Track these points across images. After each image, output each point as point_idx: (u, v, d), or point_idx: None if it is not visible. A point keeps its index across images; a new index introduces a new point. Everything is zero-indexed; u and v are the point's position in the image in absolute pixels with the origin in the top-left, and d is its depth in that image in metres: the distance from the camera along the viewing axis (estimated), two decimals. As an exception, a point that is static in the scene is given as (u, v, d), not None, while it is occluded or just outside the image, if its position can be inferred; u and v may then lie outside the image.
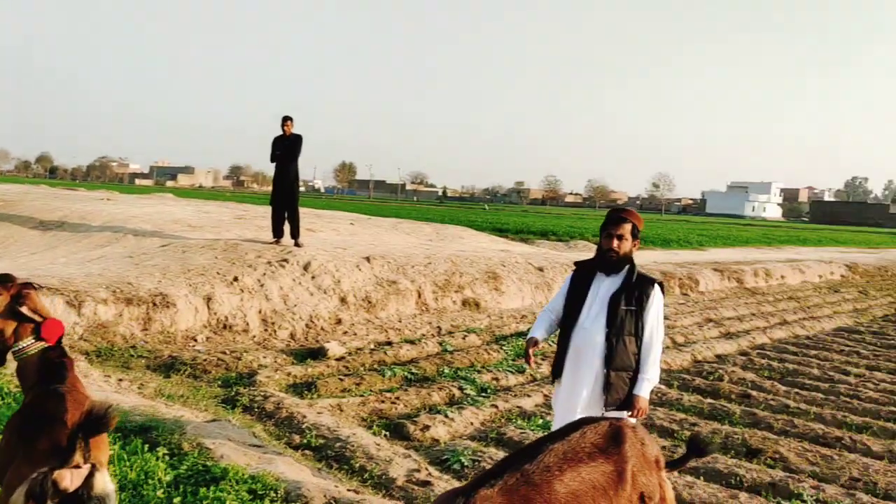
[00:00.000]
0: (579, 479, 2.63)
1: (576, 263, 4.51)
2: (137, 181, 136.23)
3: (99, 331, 9.04)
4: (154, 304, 9.72)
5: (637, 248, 4.31)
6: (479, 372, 8.50)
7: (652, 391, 7.93)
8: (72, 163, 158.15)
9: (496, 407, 7.23)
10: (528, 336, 4.42)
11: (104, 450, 2.75)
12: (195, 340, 9.50)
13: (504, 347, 9.83)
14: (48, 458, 2.55)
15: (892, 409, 7.73)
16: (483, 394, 7.74)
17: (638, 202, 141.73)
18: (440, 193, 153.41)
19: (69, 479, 2.48)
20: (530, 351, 4.36)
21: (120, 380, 7.52)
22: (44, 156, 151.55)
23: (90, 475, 2.53)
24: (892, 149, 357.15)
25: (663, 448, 6.02)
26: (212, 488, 4.17)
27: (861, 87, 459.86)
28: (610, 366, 4.10)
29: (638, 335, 4.14)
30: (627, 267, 4.23)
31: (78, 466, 2.54)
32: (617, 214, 4.26)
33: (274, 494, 4.21)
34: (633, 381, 4.18)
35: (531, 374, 8.66)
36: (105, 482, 2.64)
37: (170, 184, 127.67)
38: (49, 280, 9.76)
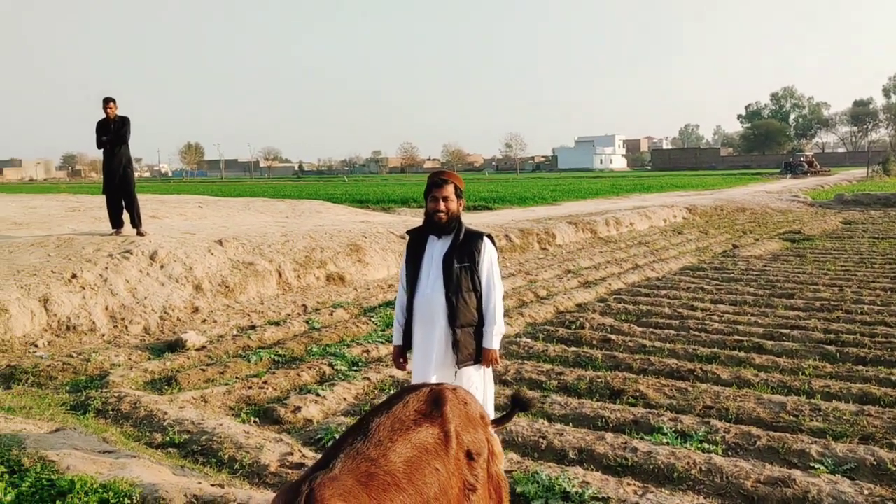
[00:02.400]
0: (410, 445, 2.70)
1: (408, 232, 4.60)
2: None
3: (-84, 349, 8.09)
4: (-18, 313, 8.80)
5: (462, 206, 4.42)
6: (348, 346, 8.36)
7: (517, 344, 8.25)
8: None
9: (368, 379, 7.13)
10: (393, 344, 4.59)
11: None
12: (36, 346, 8.71)
13: (373, 319, 9.73)
14: None
15: (737, 338, 8.34)
16: (354, 367, 7.62)
17: (494, 163, 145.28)
18: (297, 168, 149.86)
19: None
20: (399, 360, 4.57)
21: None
22: None
23: None
24: (718, 96, 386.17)
25: (532, 399, 6.18)
26: (59, 502, 3.81)
27: (691, 40, 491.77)
28: (455, 324, 4.21)
29: (476, 290, 4.27)
30: (456, 226, 4.33)
31: None
32: (438, 177, 4.35)
33: (129, 501, 3.90)
34: (480, 335, 4.30)
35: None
36: None
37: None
38: None
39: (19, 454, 4.54)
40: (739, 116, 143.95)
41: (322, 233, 14.08)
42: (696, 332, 8.70)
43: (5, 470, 4.30)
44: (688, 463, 4.81)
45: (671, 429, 5.53)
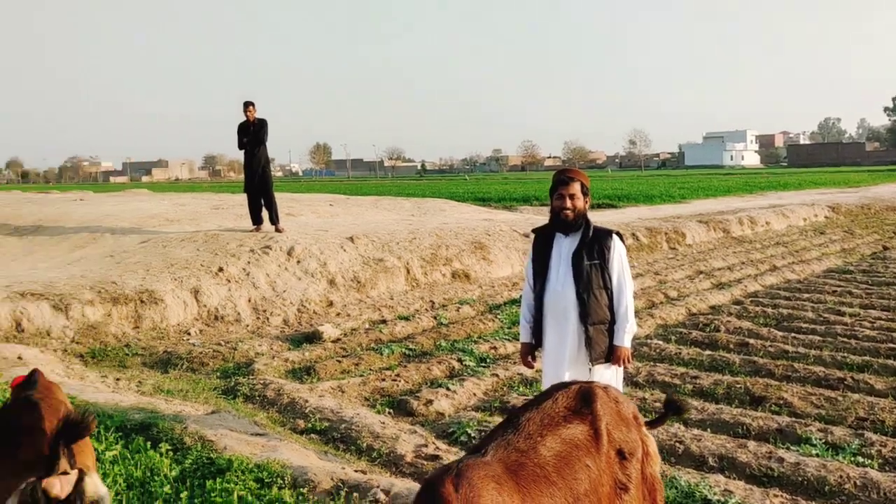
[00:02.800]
0: (560, 440, 2.69)
1: (534, 230, 4.59)
2: (112, 179, 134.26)
3: (90, 332, 8.90)
4: (142, 301, 9.58)
5: (588, 204, 4.38)
6: (476, 342, 8.46)
7: (648, 346, 8.04)
8: (43, 165, 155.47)
9: (497, 376, 7.19)
10: (521, 342, 4.62)
11: (89, 454, 2.67)
12: (188, 334, 9.38)
13: (499, 316, 9.79)
14: (34, 468, 2.46)
15: (891, 345, 7.77)
16: (482, 364, 7.70)
17: (617, 160, 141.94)
18: (419, 167, 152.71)
19: (59, 486, 2.40)
20: (528, 358, 4.57)
21: (117, 379, 7.42)
22: (13, 161, 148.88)
23: (80, 480, 2.45)
24: (863, 87, 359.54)
25: (687, 404, 6.01)
26: (218, 480, 4.10)
27: (830, 28, 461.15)
28: (587, 321, 4.18)
29: (607, 287, 4.22)
30: (584, 224, 4.29)
31: (66, 473, 2.46)
32: (564, 175, 4.33)
33: (281, 481, 4.15)
34: (612, 332, 4.25)
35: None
36: (97, 485, 2.57)
37: (145, 179, 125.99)
38: (32, 286, 9.58)
39: (181, 433, 4.92)
40: (886, 109, 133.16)
41: (447, 231, 14.29)
42: (845, 339, 8.17)
43: (170, 447, 4.68)
44: (840, 476, 4.54)
45: (820, 440, 5.23)
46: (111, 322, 9.22)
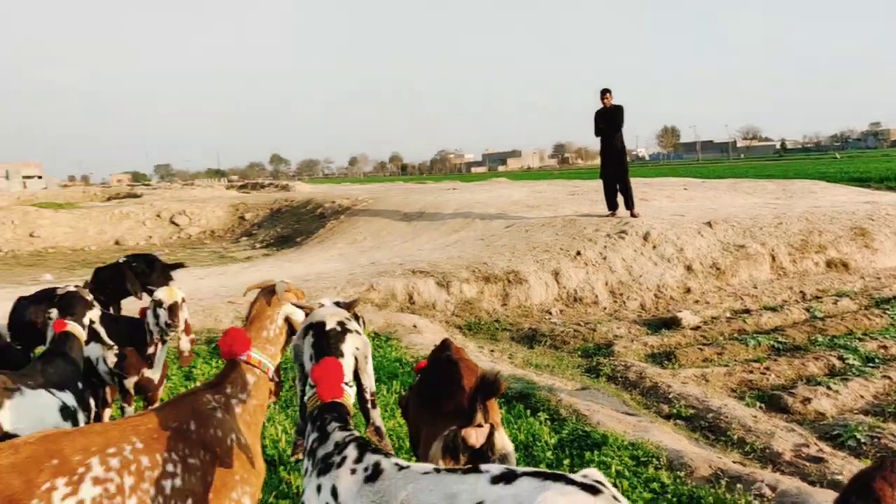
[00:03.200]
0: None
1: None
2: (473, 169, 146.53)
3: (466, 307, 9.93)
4: (509, 281, 10.38)
5: None
6: (860, 339, 7.56)
7: None
8: (417, 159, 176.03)
9: (889, 378, 6.36)
10: None
11: (497, 412, 2.99)
12: (549, 313, 9.93)
13: (888, 312, 8.61)
14: (454, 419, 2.86)
15: None
16: (870, 363, 6.87)
17: None
18: (778, 146, 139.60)
19: (475, 436, 2.76)
20: None
21: (492, 350, 8.18)
22: (395, 156, 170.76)
23: (490, 434, 2.79)
24: None
25: None
26: (595, 452, 4.32)
27: None
28: None
29: None
30: None
31: (480, 426, 2.81)
32: None
33: (657, 462, 4.22)
34: None
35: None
36: (504, 440, 2.88)
37: (500, 168, 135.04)
38: (420, 264, 11.00)
39: (557, 405, 5.28)
40: None
41: (819, 215, 12.92)
42: None
43: (547, 417, 5.05)
44: None
45: None
46: (483, 298, 10.15)
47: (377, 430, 2.25)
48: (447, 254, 11.82)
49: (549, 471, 1.65)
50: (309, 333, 2.22)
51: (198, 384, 6.74)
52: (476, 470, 1.69)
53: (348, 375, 2.16)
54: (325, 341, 2.16)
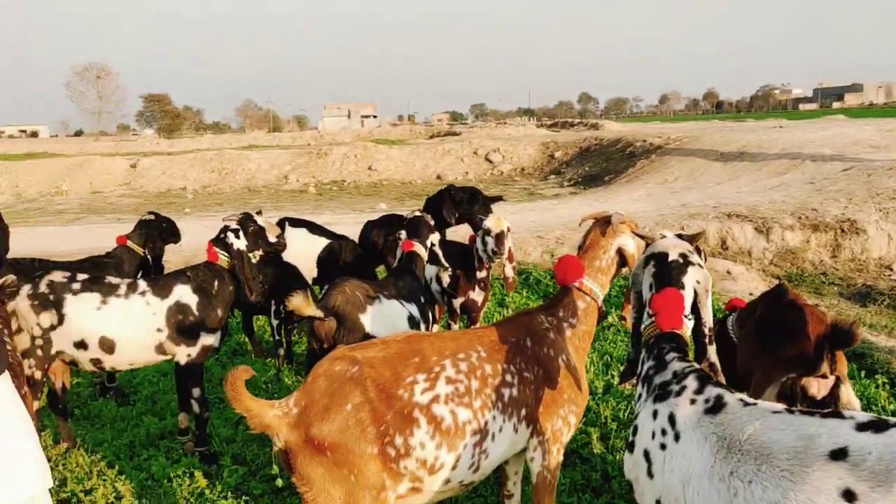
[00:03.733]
0: None
1: None
2: (801, 106, 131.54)
3: (787, 256, 9.16)
4: (842, 231, 9.31)
5: None
6: None
7: None
8: (735, 95, 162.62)
9: None
10: None
11: (845, 364, 2.74)
12: (891, 269, 8.75)
13: None
14: (795, 366, 2.69)
15: None
16: None
17: None
18: None
19: (816, 386, 2.57)
20: None
21: (816, 305, 7.49)
22: (709, 92, 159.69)
23: (836, 387, 2.57)
24: None
25: None
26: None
27: None
28: None
29: None
30: None
31: (824, 376, 2.61)
32: None
33: None
34: None
35: None
36: (851, 396, 2.65)
37: (836, 105, 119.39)
38: (737, 208, 10.34)
39: (900, 367, 4.70)
40: None
41: None
42: None
43: (886, 380, 4.53)
44: None
45: None
46: (809, 249, 9.26)
47: (712, 367, 2.23)
48: (768, 197, 10.92)
49: None
50: (650, 263, 2.25)
51: (510, 311, 7.20)
52: (838, 415, 1.60)
53: (687, 308, 2.16)
54: (667, 272, 2.18)
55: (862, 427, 1.52)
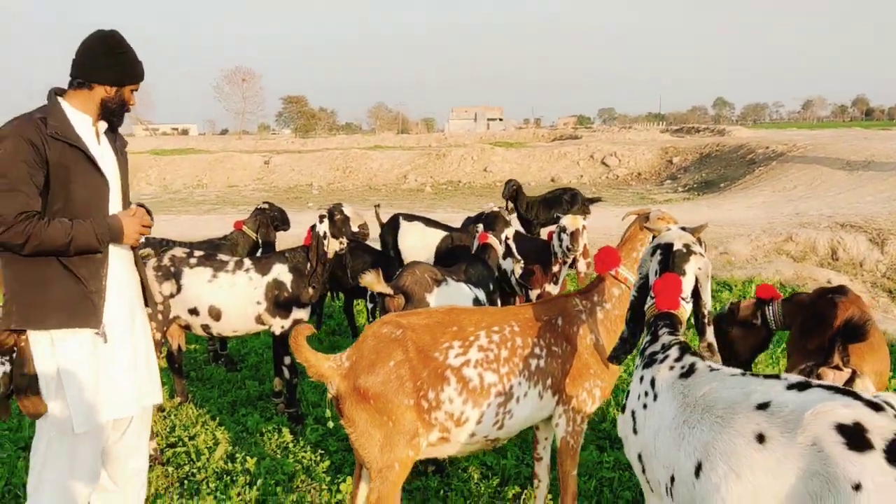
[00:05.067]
0: None
1: None
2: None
3: (902, 270, 8.76)
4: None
5: None
6: None
7: None
8: (888, 102, 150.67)
9: None
10: None
11: (869, 360, 2.81)
12: None
13: None
14: (814, 356, 2.82)
15: None
16: None
17: None
18: None
19: (832, 377, 2.68)
20: None
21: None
22: (859, 98, 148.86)
23: (850, 380, 2.67)
24: None
25: None
26: None
27: None
28: None
29: None
30: None
31: (839, 368, 2.72)
32: None
33: None
34: None
35: None
36: (865, 386, 2.72)
37: None
38: (852, 218, 9.95)
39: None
40: None
41: None
42: None
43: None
44: None
45: None
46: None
47: (709, 346, 2.43)
48: (890, 209, 10.41)
49: (846, 388, 1.70)
50: (657, 252, 2.48)
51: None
52: (777, 377, 1.82)
53: (686, 292, 2.38)
54: (671, 259, 2.41)
55: (790, 387, 1.74)
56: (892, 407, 1.60)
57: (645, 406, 2.14)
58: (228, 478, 3.87)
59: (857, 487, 1.48)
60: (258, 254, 6.14)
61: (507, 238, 4.80)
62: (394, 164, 26.54)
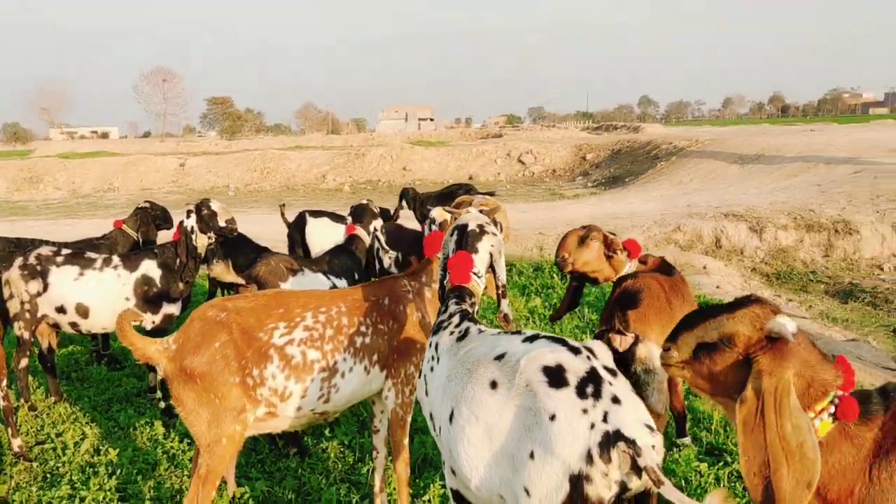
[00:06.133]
0: None
1: None
2: (872, 110, 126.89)
3: (779, 255, 9.36)
4: (836, 231, 9.47)
5: None
6: None
7: None
8: (802, 99, 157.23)
9: None
10: None
11: (655, 326, 3.11)
12: (881, 269, 8.87)
13: None
14: (606, 322, 3.15)
15: None
16: None
17: None
18: None
19: (618, 341, 3.00)
20: None
21: (790, 300, 7.72)
22: (776, 96, 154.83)
23: (634, 344, 2.99)
24: None
25: None
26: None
27: None
28: None
29: None
30: None
31: (622, 333, 3.03)
32: None
33: None
34: None
35: None
36: (650, 354, 3.04)
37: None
38: (736, 208, 10.55)
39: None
40: None
41: None
42: None
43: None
44: None
45: None
46: (801, 248, 9.45)
47: (505, 317, 2.67)
48: (771, 199, 11.08)
49: (562, 337, 1.96)
50: (454, 233, 2.71)
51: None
52: (519, 333, 2.07)
53: (479, 267, 2.61)
54: (465, 239, 2.63)
55: (525, 340, 1.99)
56: (591, 352, 1.86)
57: (432, 369, 2.35)
58: (91, 470, 3.93)
59: (553, 418, 1.72)
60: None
61: (375, 230, 4.98)
62: (312, 164, 26.47)
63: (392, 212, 7.42)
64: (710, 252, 9.56)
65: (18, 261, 4.68)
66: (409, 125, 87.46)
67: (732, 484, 3.42)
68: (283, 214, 7.25)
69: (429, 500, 3.37)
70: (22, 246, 5.29)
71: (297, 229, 6.86)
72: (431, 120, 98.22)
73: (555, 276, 8.17)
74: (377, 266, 5.52)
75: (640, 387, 3.09)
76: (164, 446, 4.21)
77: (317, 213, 6.95)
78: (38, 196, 24.31)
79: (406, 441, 3.19)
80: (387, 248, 5.00)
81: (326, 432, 4.26)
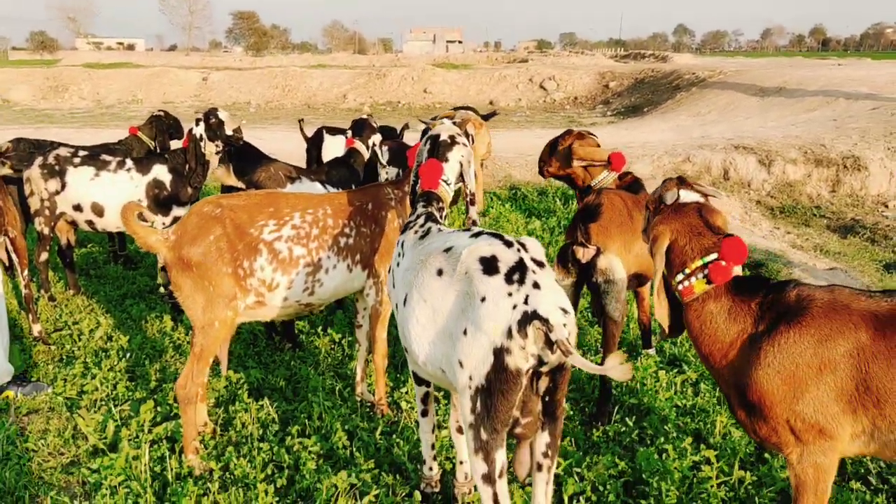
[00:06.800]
0: None
1: None
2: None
3: (785, 189, 9.43)
4: (844, 167, 9.48)
5: None
6: None
7: None
8: (845, 33, 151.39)
9: None
10: None
11: (617, 239, 3.33)
12: (886, 206, 8.93)
13: None
14: (570, 234, 3.38)
15: None
16: None
17: None
18: None
19: (581, 253, 3.23)
20: None
21: (788, 232, 7.86)
22: (817, 28, 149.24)
23: (596, 255, 3.23)
24: None
25: None
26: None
27: None
28: None
29: None
30: None
31: (584, 245, 3.27)
32: None
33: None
34: None
35: None
36: (612, 265, 3.28)
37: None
38: (746, 140, 10.54)
39: (786, 276, 5.19)
40: None
41: None
42: None
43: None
44: None
45: None
46: (809, 182, 9.50)
47: (473, 223, 2.91)
48: (785, 132, 11.03)
49: (500, 234, 2.21)
50: (427, 142, 2.92)
51: (490, 220, 7.87)
52: (470, 231, 2.31)
53: (449, 175, 2.83)
54: (437, 148, 2.84)
55: (472, 236, 2.23)
56: (522, 246, 2.11)
57: (398, 264, 2.61)
58: (104, 353, 4.31)
59: (483, 300, 1.98)
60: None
61: (373, 144, 5.17)
62: (334, 84, 26.38)
63: (398, 130, 7.56)
64: (718, 184, 9.64)
65: (38, 160, 4.97)
66: (437, 47, 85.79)
67: (684, 389, 3.70)
68: (302, 129, 7.44)
69: (406, 392, 3.69)
70: (41, 147, 5.56)
71: (314, 145, 7.04)
72: (460, 42, 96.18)
73: (557, 200, 8.34)
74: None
75: (600, 295, 3.34)
76: (171, 337, 4.57)
77: (334, 131, 7.11)
78: (63, 105, 24.62)
79: (384, 336, 3.49)
80: (384, 163, 5.20)
81: (319, 330, 4.59)
